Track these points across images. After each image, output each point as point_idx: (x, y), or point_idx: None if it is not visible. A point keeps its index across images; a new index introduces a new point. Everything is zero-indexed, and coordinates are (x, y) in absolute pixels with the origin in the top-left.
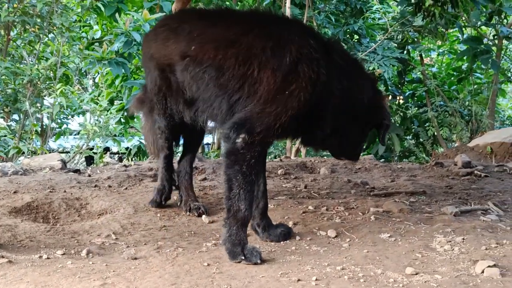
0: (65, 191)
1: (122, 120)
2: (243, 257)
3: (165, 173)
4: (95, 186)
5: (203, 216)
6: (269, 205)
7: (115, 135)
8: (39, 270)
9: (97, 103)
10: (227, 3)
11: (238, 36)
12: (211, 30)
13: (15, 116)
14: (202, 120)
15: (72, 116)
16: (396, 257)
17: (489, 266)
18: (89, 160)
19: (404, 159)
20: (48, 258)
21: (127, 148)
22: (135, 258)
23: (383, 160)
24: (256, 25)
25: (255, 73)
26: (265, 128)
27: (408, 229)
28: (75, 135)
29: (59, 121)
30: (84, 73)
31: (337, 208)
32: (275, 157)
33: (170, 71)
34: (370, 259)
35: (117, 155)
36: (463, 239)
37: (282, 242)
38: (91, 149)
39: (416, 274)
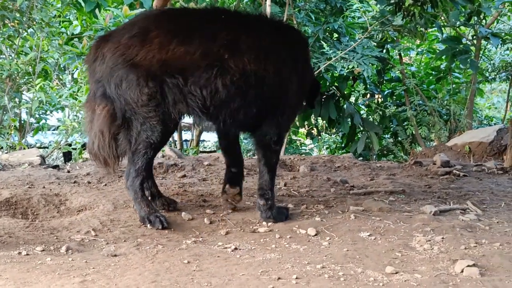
0: (44, 187)
1: None
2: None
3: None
4: (74, 182)
5: (183, 213)
6: (249, 203)
7: None
8: (18, 267)
9: (76, 99)
10: (207, 0)
11: (270, 47)
12: (243, 38)
13: None
14: (214, 124)
15: (51, 112)
16: (376, 256)
17: (468, 266)
18: (67, 156)
19: (382, 158)
20: (27, 254)
21: None
22: (115, 255)
23: (361, 158)
24: (275, 34)
25: (286, 81)
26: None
27: (388, 228)
28: (53, 130)
29: (37, 116)
30: (63, 68)
31: (317, 206)
32: (253, 154)
33: (170, 77)
34: (350, 257)
35: None
36: (443, 238)
37: (262, 240)
38: (70, 145)
39: (396, 273)
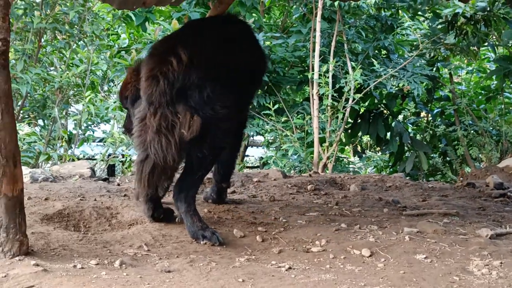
0: (95, 200)
1: None
2: None
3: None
4: (125, 195)
5: (235, 230)
6: (301, 221)
7: None
8: (74, 280)
9: (122, 111)
10: (254, 15)
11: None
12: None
13: (40, 122)
14: None
15: (98, 124)
16: (433, 279)
17: None
18: (110, 168)
19: (430, 178)
20: (82, 267)
21: None
22: (169, 271)
23: (409, 177)
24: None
25: None
26: None
27: (444, 250)
28: (98, 142)
29: (83, 127)
30: (110, 80)
31: (370, 226)
32: (300, 171)
33: (249, 79)
34: (406, 280)
35: None
36: (501, 263)
37: (315, 260)
38: (115, 157)
39: None
